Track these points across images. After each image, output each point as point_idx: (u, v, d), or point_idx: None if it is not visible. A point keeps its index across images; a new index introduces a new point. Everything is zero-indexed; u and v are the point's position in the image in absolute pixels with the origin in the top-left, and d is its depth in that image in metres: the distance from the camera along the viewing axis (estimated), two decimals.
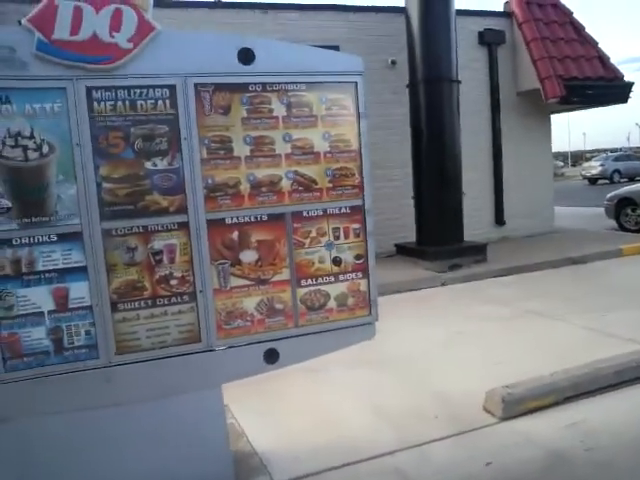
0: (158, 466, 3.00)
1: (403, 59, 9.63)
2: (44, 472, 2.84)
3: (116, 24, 2.65)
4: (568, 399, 3.96)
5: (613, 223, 12.75)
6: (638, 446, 3.37)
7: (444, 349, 5.25)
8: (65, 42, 2.59)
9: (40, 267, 2.70)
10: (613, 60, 11.18)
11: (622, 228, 12.48)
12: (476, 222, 10.70)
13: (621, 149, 60.30)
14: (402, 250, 9.70)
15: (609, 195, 12.99)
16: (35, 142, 2.60)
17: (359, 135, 3.15)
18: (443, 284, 8.20)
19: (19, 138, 2.57)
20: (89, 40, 2.62)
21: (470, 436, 3.61)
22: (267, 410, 4.09)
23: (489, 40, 11.03)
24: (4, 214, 2.60)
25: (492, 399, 3.91)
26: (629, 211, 12.48)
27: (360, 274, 3.26)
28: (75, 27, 2.59)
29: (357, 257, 3.24)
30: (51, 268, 2.72)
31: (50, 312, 2.74)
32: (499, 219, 11.50)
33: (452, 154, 9.04)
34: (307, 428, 3.80)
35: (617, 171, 33.23)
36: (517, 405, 3.85)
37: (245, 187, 2.96)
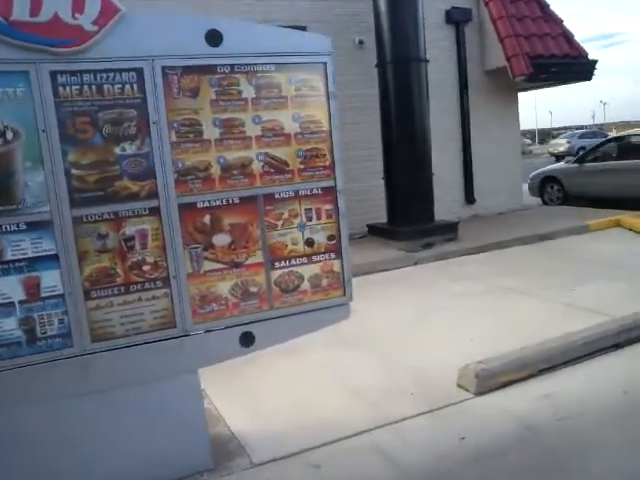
0: (136, 450, 3.01)
1: (371, 39, 9.59)
2: (27, 461, 2.82)
3: (79, 5, 2.59)
4: (541, 372, 4.05)
5: (539, 200, 13.97)
6: (607, 415, 3.47)
7: (418, 327, 5.31)
8: (25, 23, 2.52)
9: (9, 256, 2.66)
10: (583, 37, 11.35)
11: (545, 204, 13.67)
12: (446, 201, 10.77)
13: (587, 127, 61.21)
14: (374, 230, 9.73)
15: (532, 174, 14.21)
16: None
17: (329, 116, 3.15)
18: (416, 263, 8.25)
19: None
20: (51, 22, 2.56)
21: (445, 412, 3.67)
22: (244, 393, 4.11)
23: (456, 18, 11.02)
24: None
25: (466, 375, 3.98)
26: (549, 189, 13.83)
27: (333, 255, 3.28)
28: (35, 8, 2.53)
29: (330, 238, 3.25)
30: (21, 257, 2.68)
31: (21, 302, 2.71)
32: (469, 197, 11.60)
33: (421, 133, 9.06)
34: (284, 409, 3.83)
35: (583, 148, 33.63)
36: (490, 380, 3.92)
37: (216, 170, 2.94)
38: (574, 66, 11.14)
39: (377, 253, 8.50)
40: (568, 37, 11.18)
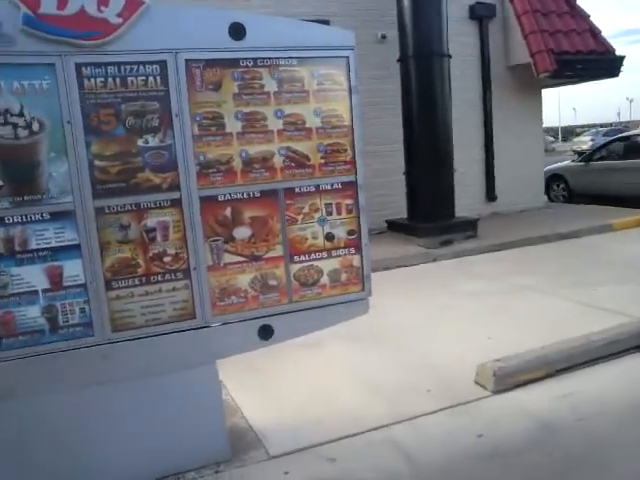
0: (155, 442, 3.04)
1: (394, 33, 9.55)
2: (49, 444, 2.86)
3: None
4: (560, 371, 4.02)
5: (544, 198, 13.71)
6: (627, 415, 3.43)
7: (436, 324, 5.29)
8: (52, 17, 2.55)
9: (33, 246, 2.70)
10: (607, 33, 11.15)
11: (551, 201, 13.75)
12: (467, 198, 10.71)
13: (612, 124, 60.33)
14: (393, 226, 9.71)
15: None
16: (25, 120, 2.58)
17: (351, 110, 3.14)
18: (434, 260, 8.23)
19: (8, 116, 2.55)
20: (77, 15, 2.59)
21: (462, 409, 3.66)
22: (262, 386, 4.13)
23: (480, 14, 10.94)
24: None
25: (483, 373, 3.96)
26: (555, 187, 14.16)
27: (353, 250, 3.28)
28: (62, 1, 2.55)
29: (350, 233, 3.25)
30: (44, 246, 2.71)
31: (44, 290, 2.74)
32: (490, 195, 11.52)
33: (443, 129, 9.01)
34: (302, 403, 3.84)
35: None
36: (508, 378, 3.89)
37: (237, 163, 2.96)
38: (601, 62, 10.98)
39: (396, 249, 8.49)
40: (594, 33, 11.02)
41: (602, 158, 13.12)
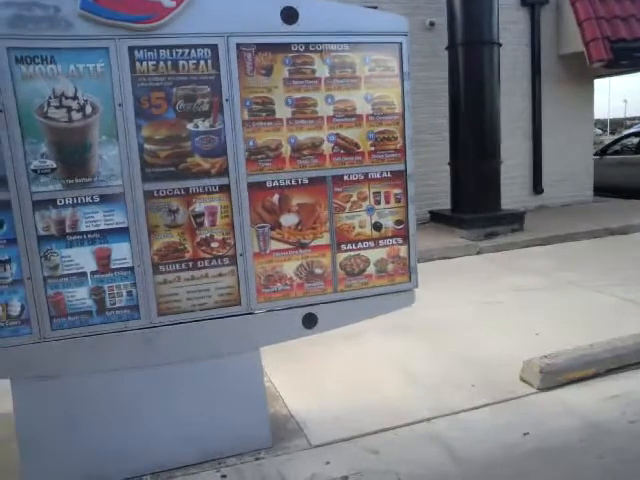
0: (197, 426, 3.05)
1: (442, 20, 9.37)
2: (89, 429, 2.91)
3: None
4: (609, 371, 3.89)
5: None
6: None
7: (480, 318, 5.20)
8: (108, 0, 2.55)
9: (83, 228, 2.73)
10: None
11: None
12: (513, 190, 10.50)
13: None
14: (436, 217, 9.58)
15: None
16: (78, 103, 2.59)
17: (403, 97, 3.08)
18: (478, 252, 8.09)
19: (63, 99, 2.57)
20: None
21: (507, 406, 3.58)
22: (303, 375, 4.12)
23: (532, 0, 10.63)
24: (49, 174, 2.62)
25: (530, 369, 3.86)
26: None
27: (400, 240, 3.22)
28: None
29: (397, 223, 3.20)
30: (93, 229, 2.74)
31: (93, 272, 2.78)
32: (537, 187, 11.25)
33: (491, 119, 8.81)
34: (343, 392, 3.82)
35: None
36: (556, 376, 3.79)
37: (286, 150, 2.93)
38: None
39: (439, 240, 8.37)
40: None
41: (616, 152, 13.36)
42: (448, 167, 9.29)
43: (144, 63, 2.66)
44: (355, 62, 2.97)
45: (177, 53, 2.70)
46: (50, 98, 2.55)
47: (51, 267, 2.70)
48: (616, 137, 15.12)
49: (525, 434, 3.23)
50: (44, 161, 2.61)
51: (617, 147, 13.66)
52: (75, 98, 2.58)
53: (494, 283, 6.38)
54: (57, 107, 2.56)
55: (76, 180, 2.66)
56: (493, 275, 6.78)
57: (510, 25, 10.24)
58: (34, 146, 2.58)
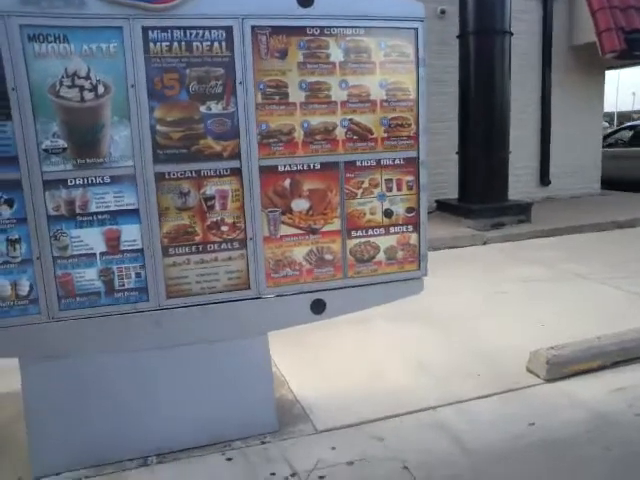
0: (203, 409, 3.06)
1: (453, 9, 9.29)
2: (99, 408, 2.92)
3: None
4: (615, 364, 3.88)
5: None
6: None
7: (487, 308, 5.19)
8: None
9: (93, 209, 2.72)
10: None
11: None
12: (520, 181, 10.47)
13: None
14: (443, 206, 9.53)
15: None
16: (91, 83, 2.57)
17: (417, 84, 3.05)
18: (484, 243, 8.07)
19: (75, 78, 2.55)
20: None
21: (513, 396, 3.57)
22: (310, 360, 4.12)
23: None
24: (60, 154, 2.60)
25: (536, 360, 3.85)
26: None
27: (411, 227, 3.21)
28: None
29: (409, 210, 3.18)
30: (104, 210, 2.73)
31: (102, 254, 2.77)
32: (544, 179, 11.21)
33: (500, 109, 8.75)
34: (349, 379, 3.82)
35: None
36: (562, 367, 3.78)
37: (299, 134, 2.90)
38: None
39: (445, 230, 8.35)
40: None
41: (610, 145, 13.52)
42: (455, 156, 9.24)
43: (158, 44, 2.64)
44: (370, 47, 2.93)
45: (191, 34, 2.67)
46: (63, 77, 2.53)
47: (60, 247, 2.70)
48: (609, 131, 15.28)
49: (531, 424, 3.23)
50: (55, 141, 2.59)
51: (612, 140, 13.91)
52: (88, 78, 2.56)
53: (500, 273, 6.37)
54: (69, 87, 2.54)
55: (87, 160, 2.65)
56: (499, 265, 6.77)
57: (522, 14, 10.15)
58: (45, 125, 2.57)
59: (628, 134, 13.69)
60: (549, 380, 3.72)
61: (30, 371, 2.80)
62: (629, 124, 15.68)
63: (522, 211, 8.93)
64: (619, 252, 7.19)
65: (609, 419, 3.25)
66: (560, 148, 11.13)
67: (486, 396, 3.55)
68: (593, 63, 10.96)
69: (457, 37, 8.93)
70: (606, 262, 6.62)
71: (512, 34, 8.78)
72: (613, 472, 2.83)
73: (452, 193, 9.57)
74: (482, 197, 8.80)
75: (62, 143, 2.59)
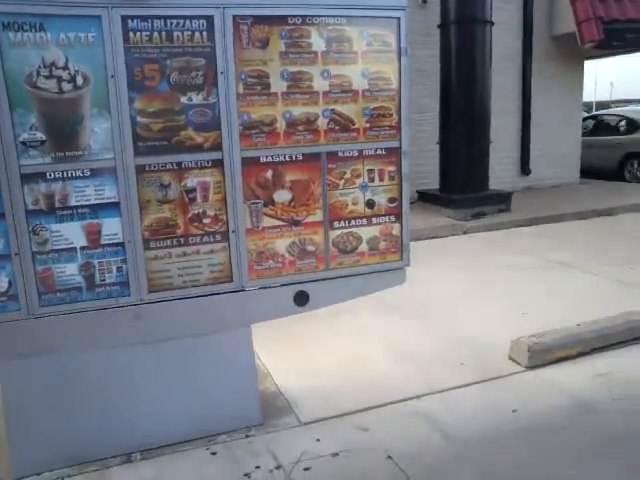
0: (186, 403, 3.04)
1: None
2: (82, 404, 2.89)
3: None
4: (595, 350, 3.94)
5: None
6: None
7: (468, 297, 5.22)
8: None
9: (73, 202, 2.67)
10: None
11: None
12: (501, 171, 10.51)
13: None
14: (424, 197, 9.56)
15: None
16: (69, 73, 2.52)
17: (400, 73, 3.04)
18: (465, 232, 8.12)
19: (53, 68, 2.49)
20: None
21: (496, 384, 3.61)
22: (293, 352, 4.12)
23: None
24: (38, 147, 2.55)
25: (518, 348, 3.89)
26: None
27: (393, 218, 3.21)
28: None
29: (391, 200, 3.18)
30: (84, 203, 2.69)
31: (82, 248, 2.73)
32: (525, 168, 11.29)
33: (481, 99, 8.77)
34: (332, 370, 3.82)
35: None
36: (543, 355, 3.83)
37: (281, 125, 2.88)
38: None
39: (426, 220, 8.37)
40: None
41: None
42: (436, 146, 9.25)
43: (137, 33, 2.59)
44: (352, 36, 2.92)
45: (172, 24, 2.63)
46: (40, 67, 2.47)
47: (40, 242, 2.65)
48: None
49: (513, 411, 3.26)
50: (33, 133, 2.54)
51: None
52: (66, 68, 2.51)
53: (482, 263, 6.41)
54: (47, 77, 2.49)
55: (66, 153, 2.60)
56: (480, 255, 6.81)
57: (503, 4, 10.18)
58: (23, 117, 2.51)
59: (590, 124, 14.07)
60: (531, 367, 3.76)
61: (9, 368, 2.76)
62: (592, 114, 16.15)
63: (503, 200, 8.99)
64: (599, 240, 7.28)
65: (589, 405, 3.30)
66: (540, 138, 11.21)
67: (469, 384, 3.58)
68: (573, 53, 11.03)
69: (438, 27, 8.92)
70: (586, 250, 6.70)
71: (493, 24, 8.80)
72: (593, 456, 2.86)
73: (433, 183, 9.58)
74: (463, 187, 8.84)
75: (40, 136, 2.54)
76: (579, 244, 7.06)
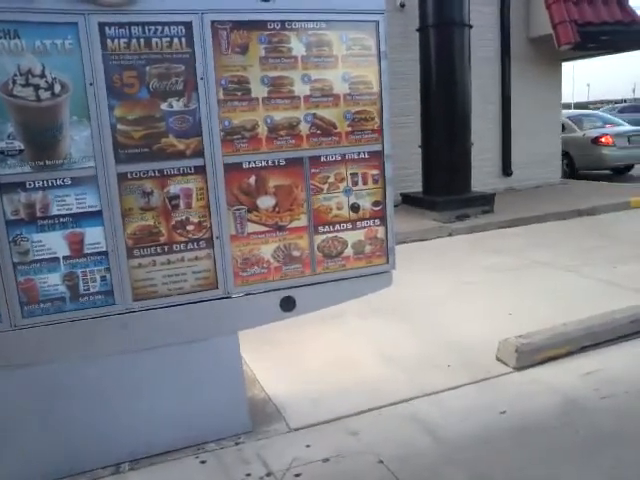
0: (174, 412, 3.01)
1: (412, 2, 9.33)
2: (65, 415, 2.85)
3: None
4: (583, 349, 3.95)
5: None
6: None
7: (455, 299, 5.23)
8: None
9: (54, 212, 2.64)
10: (635, 3, 10.72)
11: None
12: (483, 172, 10.57)
13: (625, 100, 59.05)
14: (408, 200, 9.59)
15: None
16: (46, 81, 2.49)
17: (380, 77, 3.04)
18: (450, 234, 8.15)
19: (30, 76, 2.46)
20: None
21: (484, 385, 3.61)
22: (281, 358, 4.09)
23: None
24: (16, 156, 2.52)
25: (505, 349, 3.90)
26: None
27: (378, 221, 3.20)
28: None
29: (375, 204, 3.18)
30: (65, 213, 2.65)
31: (65, 257, 2.69)
32: (506, 169, 11.37)
33: (462, 102, 8.84)
34: (321, 375, 3.80)
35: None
36: (531, 355, 3.83)
37: (263, 130, 2.87)
38: (627, 34, 10.57)
39: (411, 223, 8.39)
40: (622, 2, 10.56)
41: None
42: (419, 150, 9.29)
43: (115, 40, 2.57)
44: (332, 41, 2.91)
45: (150, 30, 2.61)
46: (16, 75, 2.44)
47: (21, 253, 2.61)
48: None
49: (502, 412, 3.26)
50: (11, 142, 2.51)
51: None
52: (43, 76, 2.48)
53: (467, 264, 6.43)
54: (23, 85, 2.45)
55: (46, 162, 2.57)
56: (466, 256, 6.84)
57: (481, 7, 10.26)
58: (0, 126, 2.48)
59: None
60: (519, 368, 3.76)
61: None
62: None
63: (486, 202, 9.05)
64: (582, 240, 7.33)
65: (577, 404, 3.31)
66: (521, 139, 11.30)
67: (458, 387, 3.58)
68: (550, 55, 11.15)
69: (417, 30, 8.98)
70: (570, 250, 6.75)
71: (471, 27, 8.87)
72: (584, 455, 2.87)
73: (417, 187, 9.62)
74: (446, 189, 8.88)
75: (18, 144, 2.51)
76: (562, 244, 7.11)
